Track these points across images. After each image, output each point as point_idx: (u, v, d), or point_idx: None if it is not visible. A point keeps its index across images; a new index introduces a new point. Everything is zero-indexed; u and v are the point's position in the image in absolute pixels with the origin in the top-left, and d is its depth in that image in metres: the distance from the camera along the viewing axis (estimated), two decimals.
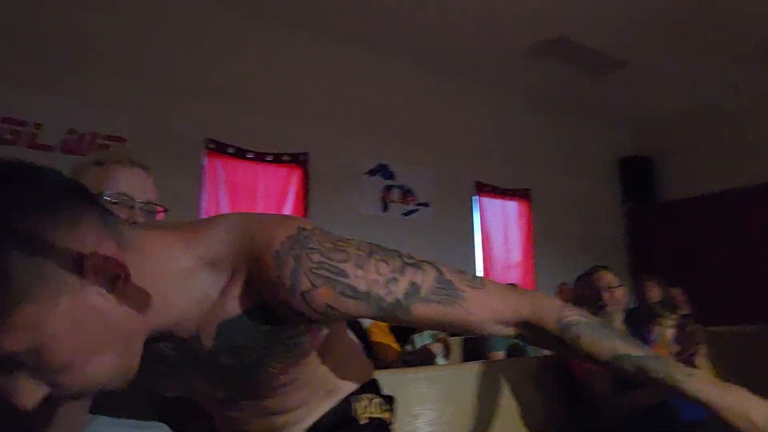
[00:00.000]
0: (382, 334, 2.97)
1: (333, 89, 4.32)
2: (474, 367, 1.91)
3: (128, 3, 3.52)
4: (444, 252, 4.58)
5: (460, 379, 1.82)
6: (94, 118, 3.32)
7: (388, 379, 1.09)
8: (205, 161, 3.71)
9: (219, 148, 3.75)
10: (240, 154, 3.83)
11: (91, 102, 3.33)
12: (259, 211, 3.57)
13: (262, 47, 4.03)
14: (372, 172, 4.48)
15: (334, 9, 3.94)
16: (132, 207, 1.00)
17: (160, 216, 1.07)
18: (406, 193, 4.62)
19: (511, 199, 5.35)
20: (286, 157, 4.02)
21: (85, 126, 3.30)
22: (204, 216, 3.62)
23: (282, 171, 4.06)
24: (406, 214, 4.61)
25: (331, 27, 4.19)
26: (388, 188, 4.53)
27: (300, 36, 4.17)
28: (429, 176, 4.75)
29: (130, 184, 1.02)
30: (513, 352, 3.03)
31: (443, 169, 4.81)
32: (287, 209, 4.02)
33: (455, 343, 3.32)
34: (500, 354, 3.00)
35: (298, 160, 4.08)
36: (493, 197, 5.21)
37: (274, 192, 4.01)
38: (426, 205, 4.71)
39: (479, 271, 4.90)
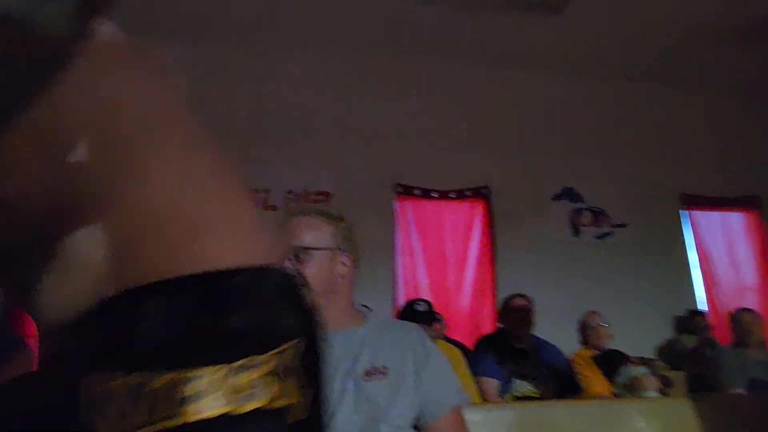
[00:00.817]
0: (586, 365, 2.80)
1: (507, 117, 4.36)
2: (703, 402, 1.69)
3: (327, 77, 4.15)
4: (651, 275, 4.11)
5: (682, 414, 1.63)
6: (305, 178, 3.94)
7: (596, 410, 1.07)
8: (396, 204, 4.05)
9: (407, 191, 4.07)
10: (425, 194, 4.10)
11: (303, 165, 3.96)
12: (447, 248, 3.69)
13: (434, 86, 4.32)
14: (557, 197, 4.33)
15: (507, 36, 4.02)
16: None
17: (308, 266, 1.12)
18: (598, 215, 4.33)
19: (732, 210, 4.59)
20: (468, 192, 4.16)
21: (299, 186, 3.93)
22: (399, 257, 3.95)
23: (465, 206, 4.20)
24: (600, 237, 4.30)
25: (505, 54, 4.28)
26: (577, 211, 4.31)
27: (474, 68, 4.34)
28: (623, 194, 4.38)
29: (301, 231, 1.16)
30: (757, 387, 2.56)
31: (639, 184, 4.38)
32: (473, 243, 4.12)
33: (677, 377, 2.93)
34: (739, 390, 2.56)
35: (480, 193, 4.18)
36: (709, 209, 4.53)
37: (459, 228, 4.16)
38: (623, 225, 4.34)
39: (700, 295, 4.27)
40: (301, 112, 4.07)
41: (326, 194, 3.95)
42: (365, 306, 1.66)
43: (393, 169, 4.06)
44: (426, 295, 3.88)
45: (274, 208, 3.86)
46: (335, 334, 1.07)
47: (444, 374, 1.13)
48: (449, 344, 2.33)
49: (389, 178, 4.04)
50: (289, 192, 3.92)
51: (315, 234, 1.14)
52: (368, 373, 1.05)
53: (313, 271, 1.09)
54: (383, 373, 1.06)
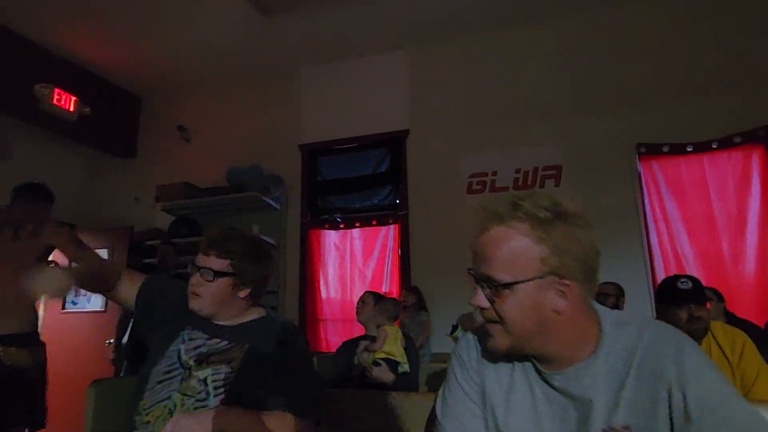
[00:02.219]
0: None
1: None
2: None
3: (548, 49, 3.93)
4: None
5: None
6: (534, 156, 3.80)
7: None
8: (640, 167, 3.58)
9: (651, 150, 3.55)
10: (677, 150, 3.51)
11: (532, 142, 3.83)
12: (715, 209, 3.09)
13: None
14: None
15: None
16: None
17: (506, 304, 0.82)
18: None
19: None
20: (736, 139, 3.40)
21: (528, 164, 3.81)
22: (652, 225, 3.48)
23: (734, 156, 3.44)
24: None
25: None
26: None
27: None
28: None
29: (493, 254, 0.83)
30: None
31: None
32: (752, 200, 3.35)
33: None
34: None
35: (756, 137, 3.37)
36: None
37: (729, 182, 3.43)
38: None
39: None
40: (520, 89, 3.94)
41: (557, 168, 3.73)
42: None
43: (631, 129, 3.59)
44: (692, 268, 3.34)
45: (504, 188, 3.84)
46: (555, 374, 0.82)
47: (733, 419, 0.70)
48: (733, 329, 1.93)
49: (628, 140, 3.59)
50: (517, 171, 3.84)
51: (514, 258, 0.79)
52: None
53: (513, 310, 0.79)
54: None
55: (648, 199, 3.54)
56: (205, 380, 1.25)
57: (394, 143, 4.24)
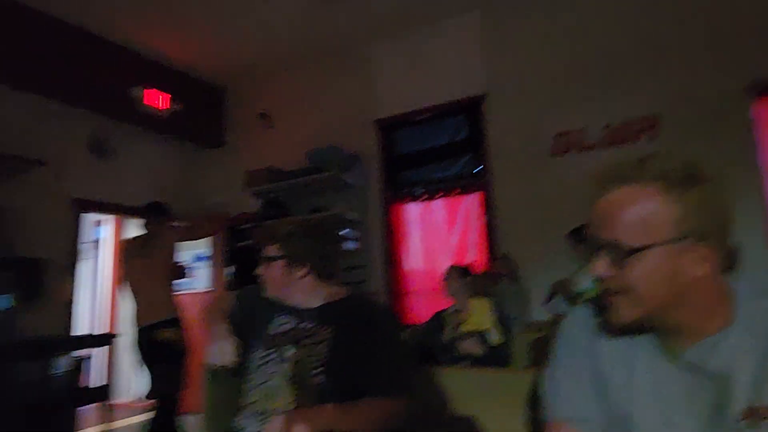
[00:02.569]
0: None
1: None
2: None
3: None
4: None
5: None
6: (626, 107, 3.50)
7: None
8: (754, 111, 3.17)
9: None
10: None
11: (623, 92, 3.52)
12: None
13: None
14: None
15: None
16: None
17: (634, 270, 0.75)
18: None
19: None
20: None
21: (619, 117, 3.52)
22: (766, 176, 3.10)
23: None
24: None
25: None
26: None
27: None
28: None
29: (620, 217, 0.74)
30: None
31: None
32: None
33: None
34: None
35: None
36: None
37: None
38: None
39: None
40: (608, 32, 3.62)
41: (652, 120, 3.41)
42: None
43: (742, 69, 3.17)
44: None
45: (591, 146, 3.59)
46: (687, 349, 0.75)
47: None
48: None
49: (738, 82, 3.17)
50: (607, 126, 3.56)
51: (644, 220, 0.72)
52: (750, 415, 0.68)
53: (643, 278, 0.72)
54: None
55: (765, 150, 3.14)
56: (298, 363, 1.31)
57: (471, 109, 4.10)
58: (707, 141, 3.11)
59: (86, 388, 3.40)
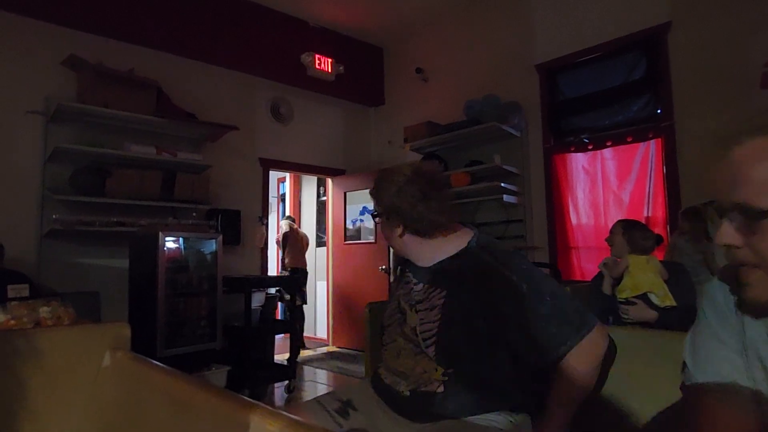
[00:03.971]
0: None
1: None
2: None
3: None
4: None
5: None
6: None
7: None
8: None
9: None
10: None
11: None
12: None
13: None
14: None
15: None
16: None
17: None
18: None
19: None
20: None
21: None
22: None
23: None
24: None
25: None
26: None
27: None
28: None
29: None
30: None
31: None
32: None
33: None
34: None
35: None
36: None
37: None
38: None
39: None
40: None
41: None
42: None
43: None
44: None
45: None
46: None
47: None
48: None
49: None
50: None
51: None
52: None
53: None
54: None
55: None
56: (415, 329, 1.21)
57: (650, 42, 3.57)
58: None
59: (279, 320, 3.99)
